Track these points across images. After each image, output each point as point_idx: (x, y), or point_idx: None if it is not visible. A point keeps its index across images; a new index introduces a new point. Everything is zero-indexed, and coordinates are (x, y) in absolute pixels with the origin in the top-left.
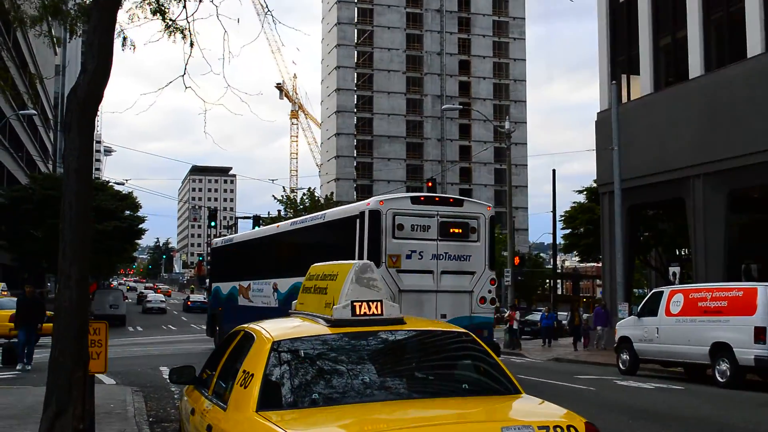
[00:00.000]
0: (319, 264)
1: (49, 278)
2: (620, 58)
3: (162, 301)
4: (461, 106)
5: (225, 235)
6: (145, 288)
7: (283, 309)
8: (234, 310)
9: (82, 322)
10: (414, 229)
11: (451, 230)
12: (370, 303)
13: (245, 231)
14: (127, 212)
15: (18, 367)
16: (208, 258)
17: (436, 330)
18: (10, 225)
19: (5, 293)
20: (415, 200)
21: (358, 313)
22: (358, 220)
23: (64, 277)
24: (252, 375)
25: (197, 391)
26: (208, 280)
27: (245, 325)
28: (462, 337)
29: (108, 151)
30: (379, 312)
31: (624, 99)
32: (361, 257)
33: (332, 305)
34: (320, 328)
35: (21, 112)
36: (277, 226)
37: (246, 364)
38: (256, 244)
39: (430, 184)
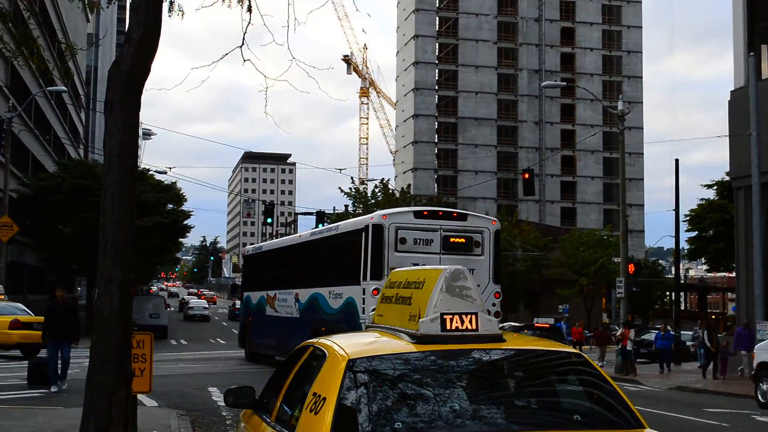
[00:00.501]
0: (401, 269)
1: (80, 282)
2: (760, 25)
3: (205, 308)
4: (563, 83)
5: (284, 235)
6: (189, 294)
7: (303, 319)
8: (262, 320)
9: (124, 333)
10: (417, 242)
11: (454, 244)
12: (463, 316)
13: (285, 237)
14: (170, 206)
15: (53, 389)
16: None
17: (540, 349)
18: (36, 219)
19: (2, 297)
20: (418, 214)
21: (448, 327)
22: (363, 234)
23: (104, 280)
24: (324, 399)
25: (257, 416)
26: (240, 289)
27: (314, 340)
28: (572, 358)
29: (147, 134)
30: (474, 327)
31: (764, 74)
32: (365, 270)
33: (418, 318)
34: (403, 345)
35: (49, 88)
36: (299, 236)
37: (317, 386)
38: (282, 254)
39: (526, 176)
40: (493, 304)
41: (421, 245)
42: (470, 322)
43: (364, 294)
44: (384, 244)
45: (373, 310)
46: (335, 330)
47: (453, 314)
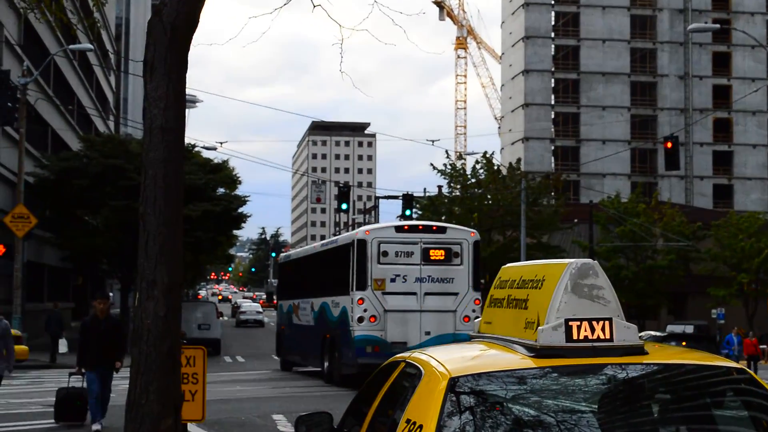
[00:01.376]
0: (513, 264)
1: (112, 286)
2: None
3: (259, 312)
4: (716, 26)
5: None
6: (243, 298)
7: (316, 328)
8: (291, 329)
9: (171, 348)
10: (398, 255)
11: (434, 255)
12: (594, 322)
13: (308, 246)
14: (221, 190)
15: (94, 428)
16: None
17: (692, 364)
18: (58, 209)
19: None
20: (399, 229)
21: (575, 337)
22: (351, 247)
23: (146, 283)
24: (420, 427)
25: None
26: (275, 297)
27: (405, 355)
28: (733, 375)
29: (192, 102)
30: (608, 336)
31: None
32: (352, 281)
33: (536, 325)
34: (517, 360)
35: (71, 47)
36: (314, 246)
37: (410, 411)
38: (302, 263)
39: (669, 145)
40: (473, 310)
41: (403, 257)
42: (603, 329)
43: (352, 303)
44: (367, 257)
45: (360, 318)
46: (336, 338)
47: (581, 320)
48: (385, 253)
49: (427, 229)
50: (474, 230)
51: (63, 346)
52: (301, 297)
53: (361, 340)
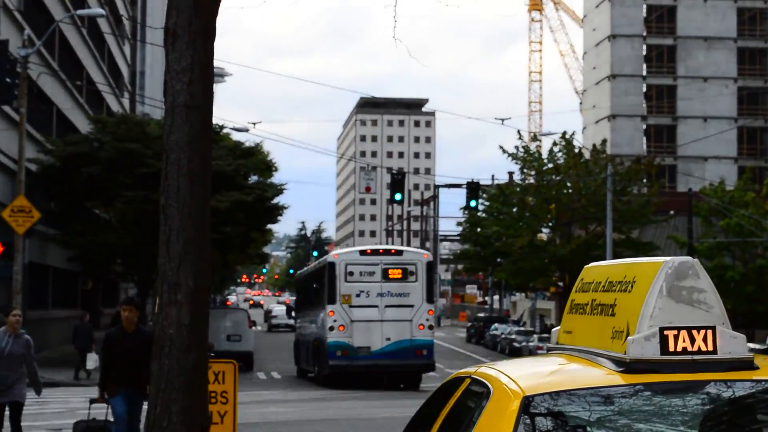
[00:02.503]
0: (598, 264)
1: (126, 290)
2: None
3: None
4: None
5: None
6: (277, 304)
7: (310, 338)
8: (299, 339)
9: (197, 361)
10: (362, 274)
11: (392, 274)
12: (694, 332)
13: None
14: (254, 177)
15: None
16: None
17: None
18: (64, 201)
19: None
20: (362, 253)
21: (672, 349)
22: (324, 269)
23: (168, 286)
24: None
25: None
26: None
27: (471, 370)
28: None
29: (220, 75)
30: (710, 348)
31: None
32: (326, 296)
33: (625, 335)
34: (603, 375)
35: (80, 12)
36: (308, 266)
37: None
38: (304, 280)
39: None
40: (427, 319)
41: (366, 276)
42: (705, 340)
43: (324, 315)
44: (336, 277)
45: (331, 327)
46: (319, 345)
47: (679, 329)
48: (351, 273)
49: (386, 253)
50: (427, 252)
51: (92, 361)
52: (303, 310)
53: (333, 345)
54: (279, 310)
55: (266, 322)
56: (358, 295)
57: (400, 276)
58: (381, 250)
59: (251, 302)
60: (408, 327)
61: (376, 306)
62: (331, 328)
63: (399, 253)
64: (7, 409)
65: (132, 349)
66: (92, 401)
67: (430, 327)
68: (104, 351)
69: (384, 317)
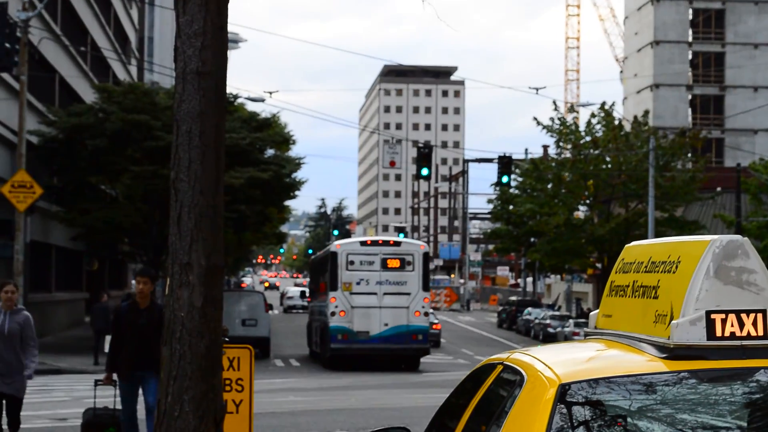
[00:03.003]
0: (640, 243)
1: (134, 271)
2: None
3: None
4: None
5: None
6: (295, 286)
7: (318, 322)
8: (311, 323)
9: (210, 347)
10: (362, 264)
11: (391, 264)
12: (743, 315)
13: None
14: (270, 151)
15: None
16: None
17: None
18: (68, 176)
19: None
20: (363, 243)
21: (719, 333)
22: (328, 258)
23: (179, 268)
24: None
25: None
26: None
27: (503, 356)
28: None
29: (234, 41)
30: (761, 332)
31: None
32: (329, 283)
33: (669, 319)
34: (645, 362)
35: None
36: (317, 254)
37: (510, 425)
38: (313, 266)
39: None
40: (422, 306)
41: (366, 265)
42: (755, 324)
43: (327, 301)
44: (338, 266)
45: (333, 312)
46: (323, 329)
47: (727, 312)
48: (352, 262)
49: (385, 243)
50: (423, 243)
51: (109, 344)
52: (313, 294)
53: (334, 329)
54: (294, 291)
55: (281, 304)
56: (358, 283)
57: (398, 265)
58: (380, 241)
59: (267, 284)
60: (405, 313)
61: (375, 293)
62: (333, 314)
63: (397, 243)
64: (4, 401)
65: (145, 326)
66: (97, 383)
67: (426, 314)
68: (114, 327)
69: (382, 304)
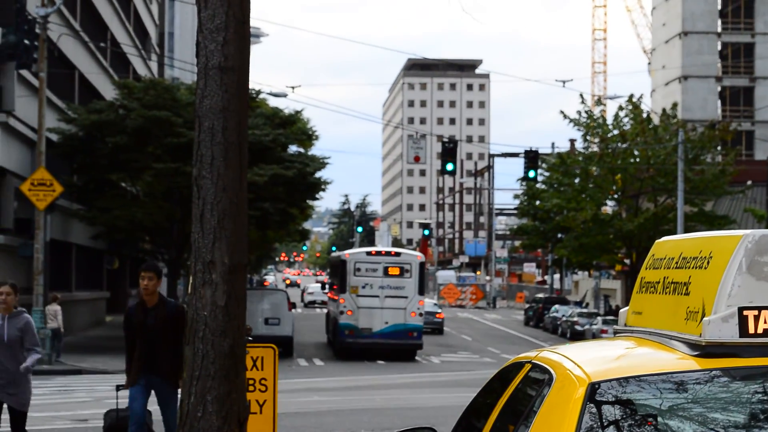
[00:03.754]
0: (671, 238)
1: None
2: None
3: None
4: None
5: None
6: (316, 283)
7: (331, 318)
8: (328, 317)
9: (234, 346)
10: (367, 270)
11: (391, 271)
12: None
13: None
14: (293, 148)
15: None
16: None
17: None
18: (88, 174)
19: None
20: (368, 254)
21: (752, 331)
22: (339, 264)
23: (202, 266)
24: None
25: None
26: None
27: (531, 354)
28: None
29: (256, 36)
30: None
31: None
32: (339, 287)
33: (701, 316)
34: (676, 360)
35: None
36: (332, 256)
37: (539, 425)
38: (330, 266)
39: None
40: (417, 308)
41: (370, 272)
42: None
43: (337, 301)
44: (347, 272)
45: (341, 311)
46: (336, 326)
47: (760, 309)
48: (359, 269)
49: (387, 254)
50: (420, 254)
51: None
52: (330, 291)
53: (343, 326)
54: (314, 287)
55: (302, 300)
56: (363, 287)
57: (397, 273)
58: (383, 252)
59: (288, 281)
60: (402, 314)
61: (377, 296)
62: (342, 312)
63: (398, 254)
64: (6, 412)
65: (152, 327)
66: (119, 388)
67: (420, 314)
68: (125, 329)
69: (384, 305)
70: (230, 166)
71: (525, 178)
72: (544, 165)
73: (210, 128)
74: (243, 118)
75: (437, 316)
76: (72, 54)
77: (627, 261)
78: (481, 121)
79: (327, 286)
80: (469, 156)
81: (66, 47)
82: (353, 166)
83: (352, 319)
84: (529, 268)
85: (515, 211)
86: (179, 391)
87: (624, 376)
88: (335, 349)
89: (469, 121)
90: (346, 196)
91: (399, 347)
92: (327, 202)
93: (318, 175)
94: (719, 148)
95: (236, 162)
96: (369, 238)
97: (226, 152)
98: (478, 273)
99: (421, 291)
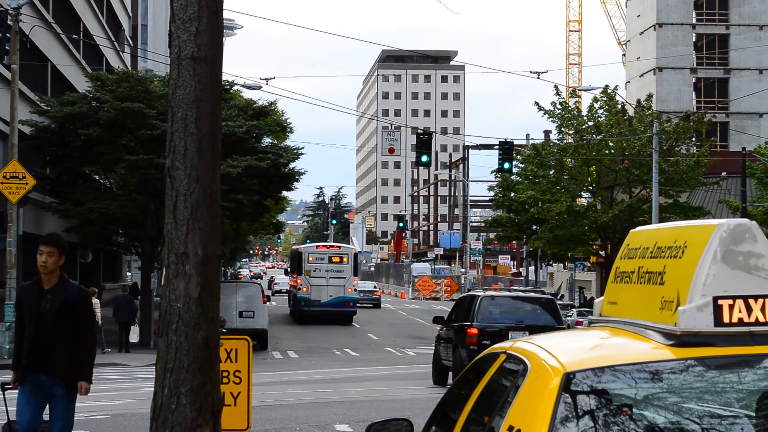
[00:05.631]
0: (646, 228)
1: (130, 263)
2: None
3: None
4: None
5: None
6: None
7: (292, 293)
8: (289, 295)
9: (207, 338)
10: (317, 259)
11: (334, 259)
12: (751, 300)
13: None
14: (267, 140)
15: None
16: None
17: None
18: (61, 167)
19: None
20: (318, 247)
21: (727, 320)
22: (297, 254)
23: (175, 257)
24: None
25: None
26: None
27: (506, 345)
28: None
29: (230, 28)
30: None
31: None
32: (297, 271)
33: (675, 305)
34: (651, 350)
35: None
36: (293, 248)
37: (513, 416)
38: (292, 257)
39: None
40: (353, 286)
41: (319, 260)
42: (763, 310)
43: (296, 281)
44: (303, 260)
45: (299, 288)
46: (296, 298)
47: (734, 298)
48: (311, 258)
49: (331, 248)
50: (354, 247)
51: (135, 334)
52: (291, 274)
53: (300, 298)
54: (281, 278)
55: (270, 288)
56: (314, 271)
57: (338, 261)
58: (328, 246)
59: (251, 273)
60: (342, 290)
61: (324, 277)
62: (299, 289)
63: (338, 248)
64: None
65: (46, 312)
66: (5, 387)
67: (355, 290)
68: (16, 313)
69: (329, 284)
70: (203, 157)
71: (500, 170)
72: (518, 157)
73: (183, 119)
74: (216, 108)
75: (375, 293)
76: (45, 46)
77: (602, 253)
78: (456, 113)
79: (289, 272)
80: (444, 148)
81: (39, 39)
82: (328, 159)
83: (307, 294)
84: (504, 260)
85: (490, 203)
86: (75, 397)
87: (599, 365)
88: (295, 316)
89: (444, 113)
90: (321, 188)
91: (340, 313)
92: (301, 194)
93: (292, 165)
94: (694, 139)
95: (209, 153)
96: (344, 231)
97: (200, 143)
98: (453, 265)
99: (356, 273)
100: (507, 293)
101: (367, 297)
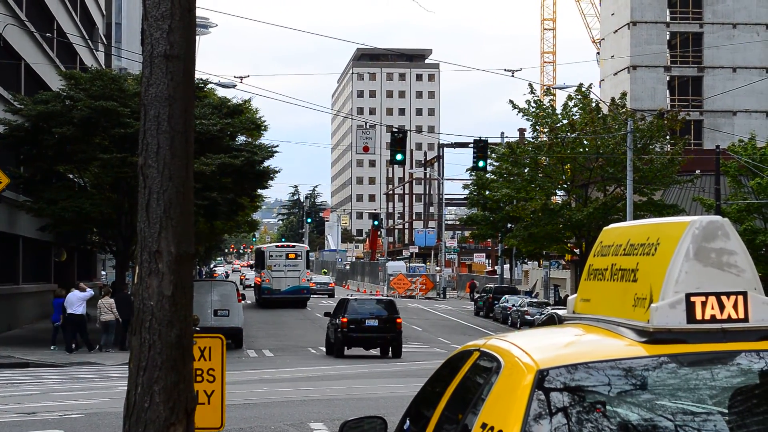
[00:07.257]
0: (618, 225)
1: (104, 262)
2: None
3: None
4: None
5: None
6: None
7: (258, 287)
8: (255, 286)
9: (181, 336)
10: (277, 256)
11: (290, 255)
12: (724, 297)
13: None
14: (242, 138)
15: None
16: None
17: None
18: (35, 166)
19: None
20: (277, 246)
21: (699, 317)
22: (261, 252)
23: (148, 255)
24: None
25: None
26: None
27: (480, 342)
28: None
29: (204, 27)
30: (741, 315)
31: None
32: (261, 265)
33: (648, 302)
34: (624, 347)
35: None
36: (258, 247)
37: (487, 413)
38: (256, 255)
39: None
40: (305, 277)
41: (278, 257)
42: (735, 307)
43: (261, 274)
44: (265, 256)
45: (262, 279)
46: (259, 288)
47: (707, 295)
48: (272, 255)
49: (288, 246)
50: (306, 245)
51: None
52: (256, 269)
53: (264, 288)
54: (251, 275)
55: (241, 283)
56: (275, 265)
57: (294, 257)
58: (285, 245)
59: (215, 274)
60: (297, 280)
61: (283, 270)
62: (262, 280)
63: (293, 246)
64: None
65: None
66: None
67: (308, 281)
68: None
69: (287, 276)
70: (176, 155)
71: (474, 168)
72: (493, 155)
73: (156, 117)
74: (189, 106)
75: (329, 285)
76: (18, 44)
77: (577, 251)
78: (431, 111)
79: (254, 267)
80: (419, 146)
81: (11, 37)
82: (303, 157)
83: (269, 284)
84: (479, 258)
85: (465, 202)
86: None
87: (572, 363)
88: (260, 303)
89: (419, 111)
90: (296, 186)
91: (296, 299)
92: (276, 192)
93: (267, 163)
94: (668, 137)
95: (182, 151)
96: (319, 229)
97: (172, 141)
98: (428, 263)
99: (308, 267)
100: (366, 297)
101: (322, 288)
